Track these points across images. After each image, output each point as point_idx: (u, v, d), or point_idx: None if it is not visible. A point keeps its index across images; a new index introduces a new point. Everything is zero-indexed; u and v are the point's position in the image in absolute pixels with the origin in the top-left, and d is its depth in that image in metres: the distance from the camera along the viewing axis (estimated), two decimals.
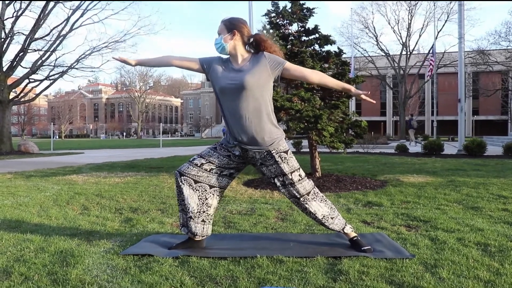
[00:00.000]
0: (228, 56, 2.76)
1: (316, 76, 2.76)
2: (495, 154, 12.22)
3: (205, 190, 2.82)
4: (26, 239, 3.14)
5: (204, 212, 2.81)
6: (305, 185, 2.77)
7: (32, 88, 19.14)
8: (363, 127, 6.38)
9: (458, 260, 2.52)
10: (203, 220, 2.81)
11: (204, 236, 2.86)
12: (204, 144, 29.15)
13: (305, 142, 12.54)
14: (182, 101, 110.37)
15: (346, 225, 2.86)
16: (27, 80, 17.97)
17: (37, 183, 6.56)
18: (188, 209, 2.78)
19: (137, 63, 2.89)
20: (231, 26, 2.69)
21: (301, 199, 2.76)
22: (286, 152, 2.74)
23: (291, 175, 2.73)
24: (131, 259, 2.63)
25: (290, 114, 5.84)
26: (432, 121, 37.32)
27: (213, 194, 2.85)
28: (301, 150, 15.02)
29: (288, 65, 2.68)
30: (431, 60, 29.78)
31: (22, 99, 19.44)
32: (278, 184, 2.76)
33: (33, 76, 18.10)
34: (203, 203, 2.81)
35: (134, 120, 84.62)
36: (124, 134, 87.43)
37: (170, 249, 2.79)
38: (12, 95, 18.11)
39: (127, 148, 22.90)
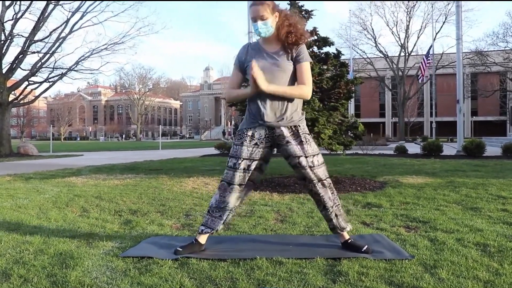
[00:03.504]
0: (256, 41, 2.82)
1: (301, 84, 2.76)
2: (494, 154, 12.23)
3: (244, 190, 2.86)
4: (25, 241, 3.13)
5: (236, 208, 2.91)
6: (324, 171, 2.81)
7: (32, 90, 19.13)
8: (359, 131, 6.39)
9: (458, 260, 2.53)
10: (229, 216, 2.91)
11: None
12: (203, 146, 29.14)
13: None
14: (181, 103, 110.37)
15: (346, 227, 2.87)
16: (26, 82, 17.98)
17: (37, 185, 6.55)
18: (231, 209, 2.84)
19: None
20: (274, 6, 2.69)
21: (320, 183, 2.77)
22: (309, 134, 2.83)
23: (312, 157, 2.76)
24: (130, 261, 2.62)
25: None
26: (431, 122, 37.30)
27: (249, 188, 2.89)
28: None
29: (304, 64, 2.73)
30: (423, 61, 29.86)
31: (22, 101, 19.46)
32: (303, 164, 2.73)
33: (33, 78, 18.13)
34: (237, 199, 2.85)
35: (134, 122, 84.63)
36: (124, 136, 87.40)
37: (175, 253, 2.75)
38: (11, 97, 18.11)
39: (126, 150, 22.89)
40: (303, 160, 2.74)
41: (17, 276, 2.36)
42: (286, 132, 2.74)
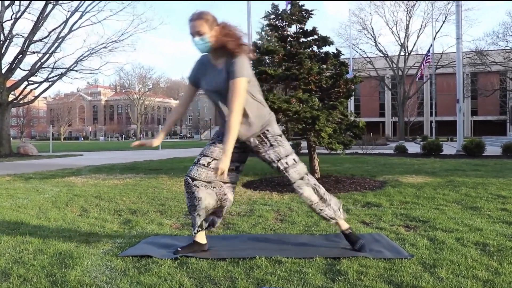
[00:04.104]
0: (205, 54, 2.73)
1: (230, 111, 2.53)
2: (494, 154, 12.23)
3: (221, 186, 2.80)
4: (25, 241, 3.13)
5: (224, 207, 2.84)
6: (301, 169, 2.77)
7: (31, 90, 19.13)
8: (361, 127, 6.38)
9: (457, 259, 2.53)
10: (219, 216, 2.87)
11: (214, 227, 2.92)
12: (203, 146, 29.13)
13: (304, 144, 12.54)
14: None
15: (338, 217, 2.82)
16: (26, 82, 17.98)
17: (36, 185, 6.55)
18: (209, 208, 2.76)
19: (161, 140, 2.90)
20: (213, 20, 2.59)
21: (298, 181, 2.74)
22: (280, 135, 2.76)
23: (286, 158, 2.73)
24: (130, 260, 2.62)
25: (288, 115, 5.84)
26: (431, 121, 37.28)
27: (228, 189, 2.84)
28: (300, 152, 15.01)
29: (233, 82, 2.51)
30: (424, 60, 29.89)
31: (21, 101, 19.45)
32: (280, 168, 2.72)
33: (32, 78, 18.13)
34: (222, 198, 2.79)
35: (133, 122, 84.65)
36: (123, 136, 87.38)
37: (175, 253, 2.74)
38: (11, 97, 18.11)
39: (126, 150, 22.89)
40: (279, 164, 2.73)
41: (17, 276, 2.36)
42: (255, 141, 2.72)
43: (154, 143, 2.78)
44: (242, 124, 2.61)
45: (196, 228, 2.81)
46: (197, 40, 2.57)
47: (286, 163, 2.73)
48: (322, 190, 2.84)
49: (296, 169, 2.76)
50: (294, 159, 2.77)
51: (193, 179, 2.72)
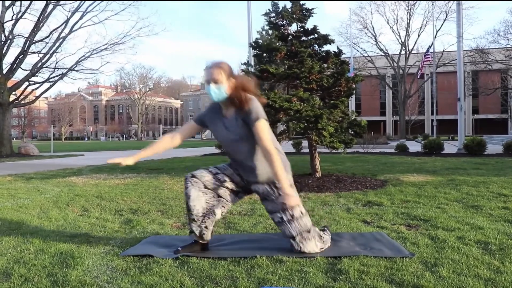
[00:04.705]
0: (216, 102, 2.73)
1: (266, 154, 2.58)
2: (495, 152, 12.21)
3: (214, 197, 2.79)
4: (26, 240, 3.13)
5: (209, 218, 2.75)
6: (307, 222, 2.71)
7: (32, 90, 19.14)
8: (362, 126, 6.38)
9: (458, 258, 2.52)
10: (206, 227, 2.74)
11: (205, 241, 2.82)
12: (204, 145, 29.12)
13: (305, 143, 12.53)
14: (182, 102, 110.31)
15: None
16: (27, 83, 17.98)
17: (37, 185, 6.56)
18: (193, 211, 2.71)
19: (136, 159, 2.83)
20: (230, 72, 2.64)
21: (296, 240, 2.67)
22: (290, 185, 2.68)
23: (292, 209, 2.68)
24: (131, 260, 2.62)
25: (289, 114, 5.84)
26: (432, 120, 37.29)
27: (219, 204, 2.80)
28: (301, 151, 15.01)
29: (257, 125, 2.56)
30: (424, 58, 29.85)
31: (22, 102, 19.45)
32: (284, 219, 2.68)
33: (33, 79, 18.14)
34: (210, 209, 2.75)
35: (134, 122, 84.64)
36: (124, 136, 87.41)
37: (176, 252, 2.74)
38: (12, 97, 18.12)
39: (127, 150, 22.90)
40: (283, 215, 2.69)
41: (18, 276, 2.36)
42: (265, 188, 2.75)
43: (127, 161, 2.74)
44: (249, 172, 2.73)
45: (190, 229, 2.78)
46: (213, 88, 2.60)
47: (291, 215, 2.68)
48: (326, 236, 2.83)
49: (301, 222, 2.69)
50: (301, 211, 2.73)
51: (192, 176, 2.78)
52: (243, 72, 6.95)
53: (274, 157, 2.55)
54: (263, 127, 2.57)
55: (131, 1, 22.30)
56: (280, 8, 6.74)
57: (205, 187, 2.77)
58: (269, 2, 6.80)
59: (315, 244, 2.70)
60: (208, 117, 2.82)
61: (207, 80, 2.63)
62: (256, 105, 2.60)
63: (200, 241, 2.80)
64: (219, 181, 2.80)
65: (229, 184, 2.82)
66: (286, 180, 2.57)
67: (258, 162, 2.70)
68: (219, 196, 2.80)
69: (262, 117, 2.58)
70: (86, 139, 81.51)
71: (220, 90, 2.60)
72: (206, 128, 2.88)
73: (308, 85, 6.09)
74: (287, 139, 6.71)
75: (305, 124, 5.87)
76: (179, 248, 2.76)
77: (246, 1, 16.69)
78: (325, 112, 5.79)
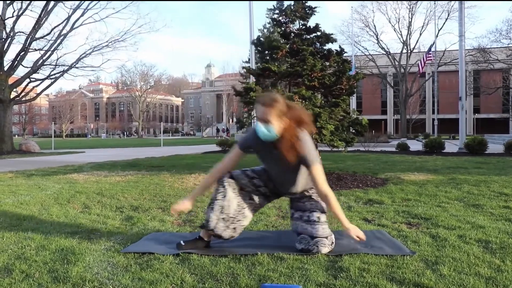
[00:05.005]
0: None
1: (323, 197, 2.67)
2: (496, 152, 12.19)
3: (245, 199, 2.82)
4: (27, 237, 3.14)
5: (238, 221, 2.77)
6: (326, 229, 2.74)
7: (33, 87, 19.17)
8: (363, 125, 6.37)
9: (459, 257, 2.52)
10: (234, 228, 2.76)
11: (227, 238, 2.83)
12: (205, 143, 29.13)
13: None
14: (183, 100, 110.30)
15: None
16: (28, 80, 17.97)
17: (38, 182, 6.56)
18: (224, 211, 2.71)
19: (192, 201, 2.87)
20: (283, 109, 2.53)
21: (315, 240, 2.68)
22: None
23: (320, 213, 2.76)
24: (131, 256, 2.63)
25: None
26: (433, 119, 37.22)
27: (250, 207, 2.84)
28: None
29: (312, 170, 2.59)
30: (424, 56, 29.78)
31: (23, 99, 19.46)
32: (311, 218, 2.74)
33: (34, 76, 18.12)
34: (239, 211, 2.77)
35: (135, 119, 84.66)
36: (125, 133, 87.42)
37: (178, 247, 2.74)
38: (13, 94, 18.13)
39: (128, 147, 22.91)
40: (310, 215, 2.76)
41: (19, 272, 2.36)
42: (298, 194, 2.85)
43: (187, 206, 2.83)
44: (287, 189, 2.81)
45: (207, 224, 2.75)
46: (262, 128, 2.53)
47: (318, 218, 2.74)
48: (333, 238, 2.83)
49: (324, 228, 2.73)
50: (326, 221, 2.78)
51: (231, 177, 2.80)
52: (245, 70, 6.95)
53: (332, 200, 2.62)
54: (318, 171, 2.60)
55: (132, 1, 22.25)
56: (285, 5, 6.75)
57: (241, 189, 2.81)
58: (270, 2, 6.81)
59: (327, 249, 2.70)
60: (254, 144, 2.74)
61: (257, 117, 2.56)
62: (309, 148, 2.57)
63: (206, 239, 2.82)
64: (254, 186, 2.85)
65: (262, 189, 2.87)
66: (345, 218, 2.68)
67: (299, 184, 2.77)
68: (250, 199, 2.84)
69: (317, 161, 2.59)
70: (89, 136, 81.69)
71: (270, 132, 2.52)
72: (248, 152, 2.86)
73: (310, 83, 6.09)
74: None
75: None
76: (182, 243, 2.76)
77: (248, 1, 16.70)
78: (325, 111, 5.78)
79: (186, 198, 2.87)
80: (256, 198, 2.86)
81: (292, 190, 2.80)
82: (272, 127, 2.51)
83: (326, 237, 2.69)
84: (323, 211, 2.78)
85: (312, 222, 2.72)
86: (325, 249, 2.66)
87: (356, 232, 2.64)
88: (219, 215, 2.71)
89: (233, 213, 2.74)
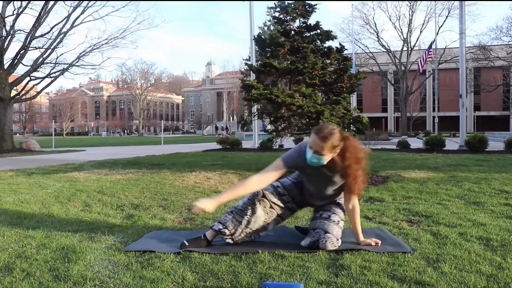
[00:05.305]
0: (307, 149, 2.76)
1: (350, 206, 2.83)
2: (496, 149, 12.18)
3: (272, 216, 2.87)
4: (27, 235, 3.14)
5: (258, 232, 2.83)
6: (340, 232, 2.80)
7: (33, 85, 19.12)
8: (364, 123, 6.37)
9: (460, 254, 2.52)
10: (250, 236, 2.82)
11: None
12: (205, 141, 29.11)
13: (306, 139, 12.50)
14: (183, 98, 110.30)
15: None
16: (28, 78, 17.98)
17: (39, 180, 6.56)
18: (249, 225, 2.77)
19: (216, 204, 2.72)
20: (337, 146, 2.61)
21: (327, 235, 2.70)
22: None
23: (340, 218, 2.85)
24: (132, 255, 2.63)
25: (291, 110, 5.83)
26: (434, 117, 37.20)
27: (274, 222, 2.90)
28: None
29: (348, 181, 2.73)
30: (425, 53, 29.72)
31: (24, 97, 19.45)
32: (332, 218, 2.80)
33: (34, 74, 18.11)
34: (263, 226, 2.83)
35: (136, 118, 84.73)
36: (126, 131, 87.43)
37: (182, 246, 2.74)
38: (13, 93, 18.12)
39: (128, 146, 22.91)
40: (331, 214, 2.84)
41: (20, 270, 2.36)
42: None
43: (209, 208, 2.67)
44: (325, 200, 2.91)
45: (223, 231, 2.77)
46: (312, 157, 2.62)
47: (338, 221, 2.82)
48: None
49: (339, 231, 2.78)
50: (342, 227, 2.86)
51: (264, 196, 2.84)
52: (247, 66, 6.94)
53: (357, 213, 2.84)
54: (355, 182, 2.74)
55: (131, 0, 22.23)
56: (286, 3, 6.74)
57: (271, 208, 2.85)
58: (271, 2, 6.81)
59: (332, 248, 2.69)
60: (300, 164, 2.78)
61: (310, 146, 2.62)
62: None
63: (210, 239, 2.83)
64: (284, 202, 2.91)
65: (290, 204, 2.94)
66: (361, 232, 2.83)
67: (335, 197, 2.90)
68: (278, 216, 2.90)
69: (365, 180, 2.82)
70: (91, 134, 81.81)
71: (320, 161, 2.63)
72: (291, 170, 2.90)
73: (311, 81, 6.08)
74: (288, 135, 6.70)
75: (307, 120, 5.86)
76: (186, 243, 2.75)
77: (248, 1, 16.70)
78: (327, 108, 5.78)
79: (211, 199, 2.73)
80: (283, 215, 2.93)
81: (327, 202, 2.91)
82: (322, 157, 2.61)
83: (337, 239, 2.72)
84: (343, 218, 2.87)
85: (331, 221, 2.78)
86: (330, 246, 2.66)
87: (366, 243, 2.76)
88: (244, 228, 2.79)
89: (257, 227, 2.81)
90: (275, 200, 2.87)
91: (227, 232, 2.77)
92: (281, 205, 2.89)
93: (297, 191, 2.95)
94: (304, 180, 2.92)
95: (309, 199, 2.96)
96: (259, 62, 6.60)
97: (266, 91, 5.91)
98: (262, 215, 2.81)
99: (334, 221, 2.79)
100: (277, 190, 2.91)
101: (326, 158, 2.61)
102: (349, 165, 2.63)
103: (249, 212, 2.79)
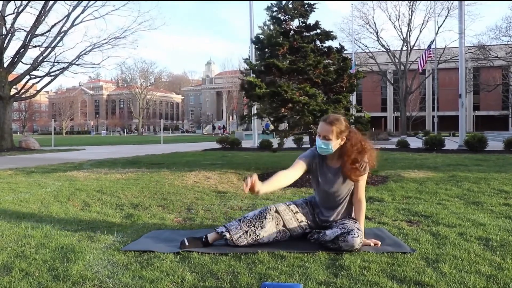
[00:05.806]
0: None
1: (357, 202, 2.91)
2: (496, 149, 12.19)
3: (284, 233, 2.87)
4: (26, 235, 3.13)
5: (264, 243, 2.80)
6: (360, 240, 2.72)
7: (33, 84, 19.11)
8: (365, 124, 6.37)
9: (460, 254, 2.52)
10: (254, 245, 2.79)
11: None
12: (205, 140, 29.11)
13: (306, 139, 12.51)
14: (183, 97, 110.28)
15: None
16: (28, 77, 17.96)
17: (38, 179, 6.56)
18: (257, 238, 2.77)
19: (263, 190, 2.63)
20: (343, 131, 2.80)
21: (360, 232, 2.69)
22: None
23: (352, 233, 2.70)
24: (132, 255, 2.62)
25: (296, 107, 5.84)
26: (433, 116, 37.24)
27: (283, 237, 2.89)
28: (302, 146, 15.01)
29: (363, 177, 2.89)
30: (424, 53, 29.70)
31: (23, 96, 19.44)
32: (346, 228, 2.71)
33: (34, 73, 18.11)
34: (271, 240, 2.82)
35: (135, 117, 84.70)
36: (125, 130, 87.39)
37: (182, 246, 2.72)
38: (13, 91, 18.11)
39: (128, 145, 22.90)
40: (337, 232, 2.72)
41: (19, 270, 2.36)
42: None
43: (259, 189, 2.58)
44: (327, 213, 2.94)
45: (229, 240, 2.76)
46: (321, 143, 2.79)
47: (356, 233, 2.70)
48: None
49: (360, 239, 2.68)
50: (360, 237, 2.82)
51: (277, 211, 2.88)
52: (248, 66, 6.92)
53: (363, 207, 2.91)
54: (364, 179, 2.92)
55: (130, 0, 22.20)
56: (283, 3, 6.72)
57: (283, 225, 2.87)
58: (271, 2, 6.76)
59: (359, 241, 2.65)
60: (313, 163, 2.93)
61: (318, 133, 2.82)
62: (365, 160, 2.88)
63: (211, 242, 2.81)
64: (297, 221, 2.92)
65: (303, 224, 2.95)
66: (363, 230, 2.82)
67: (344, 207, 2.92)
68: (289, 231, 2.90)
69: (367, 170, 2.89)
70: (93, 133, 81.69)
71: (328, 147, 2.78)
72: (308, 170, 2.95)
73: (316, 79, 6.09)
74: (289, 134, 6.69)
75: (311, 118, 5.85)
76: (186, 243, 2.73)
77: (248, 1, 16.69)
78: (330, 107, 5.78)
79: (261, 184, 2.60)
80: (293, 230, 2.90)
81: (335, 215, 2.92)
82: (330, 143, 2.77)
83: (361, 241, 2.66)
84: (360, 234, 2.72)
85: (351, 230, 2.67)
86: (358, 243, 2.61)
87: (366, 243, 2.74)
88: (251, 240, 2.77)
89: (263, 239, 2.80)
90: (287, 217, 2.89)
91: (228, 236, 2.76)
92: (294, 223, 2.90)
93: (310, 208, 3.00)
94: (314, 184, 3.00)
95: (322, 211, 2.96)
96: (259, 62, 6.58)
97: (272, 89, 5.93)
98: (271, 230, 2.82)
99: (353, 229, 2.67)
100: (290, 207, 2.95)
101: (333, 144, 2.77)
102: (350, 148, 2.81)
103: (259, 225, 2.80)
